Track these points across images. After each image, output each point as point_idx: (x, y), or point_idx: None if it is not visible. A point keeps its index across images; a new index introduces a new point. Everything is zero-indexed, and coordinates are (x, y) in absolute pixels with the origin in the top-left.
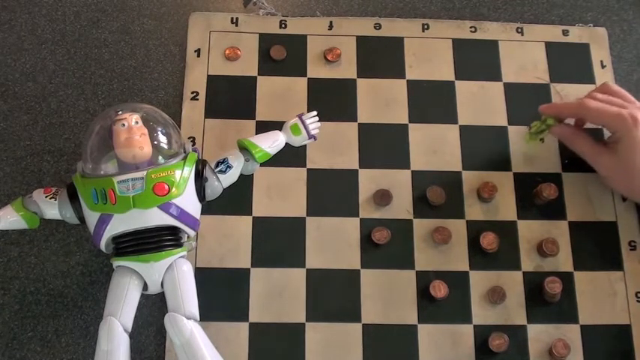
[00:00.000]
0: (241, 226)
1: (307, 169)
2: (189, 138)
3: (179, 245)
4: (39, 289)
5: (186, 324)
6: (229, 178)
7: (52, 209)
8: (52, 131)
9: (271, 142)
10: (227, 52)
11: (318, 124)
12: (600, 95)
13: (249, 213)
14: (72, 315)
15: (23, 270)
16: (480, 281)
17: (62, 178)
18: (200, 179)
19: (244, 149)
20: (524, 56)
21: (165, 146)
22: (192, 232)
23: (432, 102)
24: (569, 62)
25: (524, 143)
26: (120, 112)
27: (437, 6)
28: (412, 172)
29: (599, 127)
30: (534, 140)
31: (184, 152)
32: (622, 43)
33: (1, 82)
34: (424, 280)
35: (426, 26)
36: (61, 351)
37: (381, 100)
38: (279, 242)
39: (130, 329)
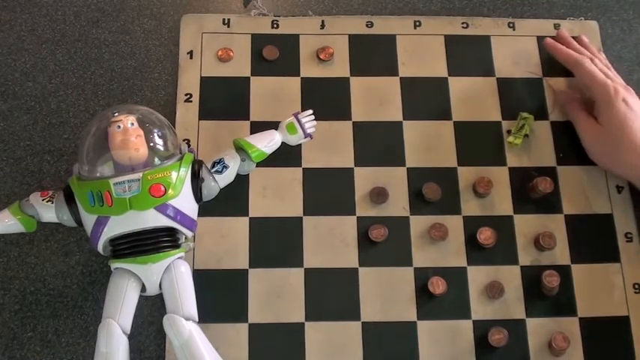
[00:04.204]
0: (238, 227)
1: (303, 168)
2: (184, 140)
3: (177, 246)
4: (39, 289)
5: (185, 325)
6: (226, 178)
7: (49, 212)
8: (52, 131)
9: (267, 142)
10: (219, 53)
11: (314, 122)
12: (600, 63)
13: (246, 214)
14: (72, 315)
15: (23, 270)
16: (478, 276)
17: (62, 178)
18: (196, 180)
19: (240, 149)
20: (516, 51)
21: (161, 147)
22: (189, 233)
23: (425, 99)
24: None
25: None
26: (115, 114)
27: (437, 6)
28: (407, 169)
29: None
30: (519, 140)
31: (180, 153)
32: (622, 43)
33: (1, 82)
34: (422, 277)
35: (417, 23)
36: (61, 351)
37: (375, 98)
38: (276, 242)
39: (128, 331)
